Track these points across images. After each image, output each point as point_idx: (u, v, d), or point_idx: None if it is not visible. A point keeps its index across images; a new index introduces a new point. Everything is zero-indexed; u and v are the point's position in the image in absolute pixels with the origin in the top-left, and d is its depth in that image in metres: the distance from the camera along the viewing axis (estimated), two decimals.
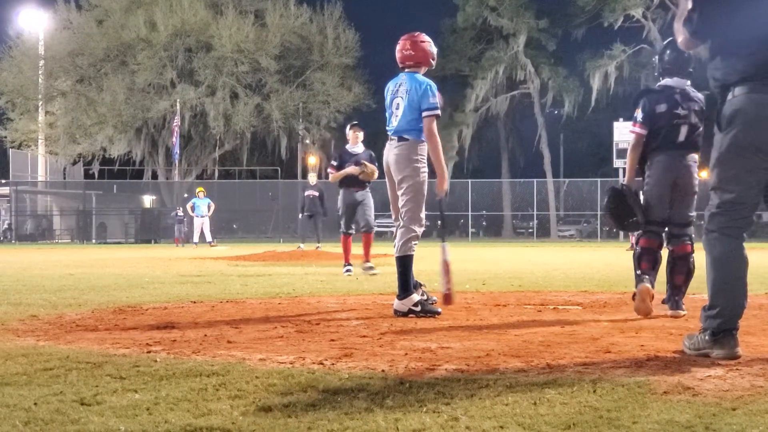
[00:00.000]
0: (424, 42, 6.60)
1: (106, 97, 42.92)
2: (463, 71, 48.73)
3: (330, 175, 11.96)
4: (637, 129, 6.31)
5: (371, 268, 11.41)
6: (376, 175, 11.00)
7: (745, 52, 4.04)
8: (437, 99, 6.42)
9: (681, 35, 4.27)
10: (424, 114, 6.32)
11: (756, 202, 4.11)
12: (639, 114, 6.33)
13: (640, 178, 6.47)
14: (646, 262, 6.29)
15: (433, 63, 6.66)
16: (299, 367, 3.87)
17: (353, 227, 11.97)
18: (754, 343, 4.50)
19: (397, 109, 6.47)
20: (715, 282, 4.08)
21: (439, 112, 6.41)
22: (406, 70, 6.56)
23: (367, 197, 11.94)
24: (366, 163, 11.30)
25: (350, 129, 12.27)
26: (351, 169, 11.45)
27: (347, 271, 11.58)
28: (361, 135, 12.03)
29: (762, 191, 4.10)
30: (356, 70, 48.08)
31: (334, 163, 11.99)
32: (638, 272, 6.30)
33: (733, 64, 4.07)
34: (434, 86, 6.46)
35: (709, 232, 4.14)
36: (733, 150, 4.05)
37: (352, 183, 11.72)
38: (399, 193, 6.43)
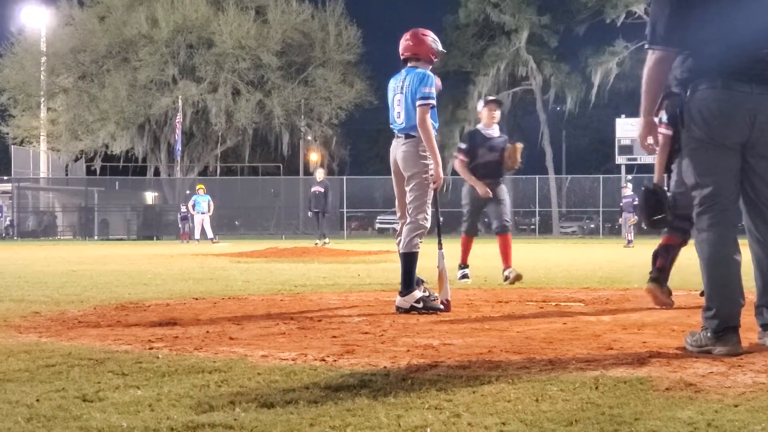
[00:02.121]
0: (426, 36, 6.59)
1: (108, 93, 42.87)
2: (465, 68, 48.68)
3: (457, 163, 9.56)
4: (663, 130, 6.50)
5: (515, 274, 9.10)
6: (519, 162, 9.45)
7: (703, 51, 4.09)
8: (433, 89, 6.40)
9: (649, 58, 4.24)
10: (418, 103, 6.32)
11: (735, 191, 4.15)
12: (663, 115, 6.50)
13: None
14: (662, 259, 6.58)
15: (435, 60, 6.62)
16: (301, 363, 3.87)
17: (479, 228, 10.07)
18: (757, 339, 4.49)
19: (398, 105, 6.47)
20: (708, 284, 4.12)
21: (433, 101, 6.37)
22: (408, 64, 6.56)
23: (503, 192, 9.59)
24: (517, 145, 9.50)
25: (485, 105, 9.67)
26: (478, 187, 9.31)
27: (464, 276, 9.41)
28: (498, 114, 9.62)
29: (737, 182, 4.13)
30: (358, 67, 48.04)
31: (463, 146, 9.61)
32: (651, 271, 6.60)
33: (692, 63, 4.12)
34: (432, 76, 6.44)
35: (699, 231, 4.17)
36: (697, 145, 4.12)
37: (487, 173, 9.41)
38: (407, 189, 6.44)
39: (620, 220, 27.52)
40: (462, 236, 9.75)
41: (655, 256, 6.66)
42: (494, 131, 9.52)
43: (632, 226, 25.69)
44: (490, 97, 10.12)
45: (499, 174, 9.58)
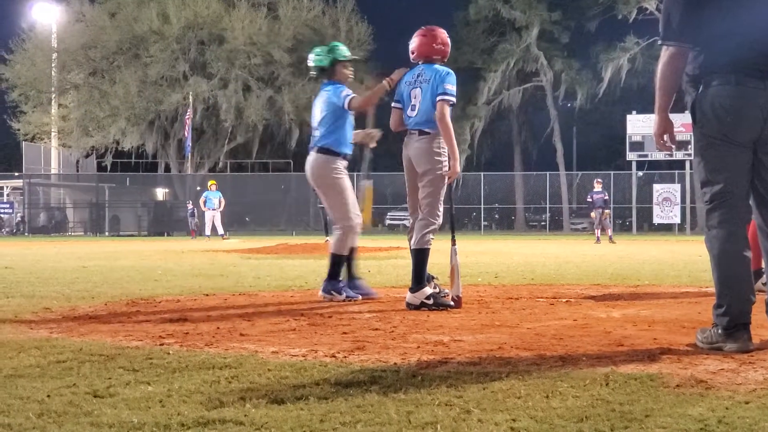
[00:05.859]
0: (425, 36, 6.54)
1: (119, 89, 42.98)
2: (475, 64, 48.56)
3: None
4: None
5: None
6: None
7: (716, 46, 4.07)
8: (455, 87, 6.35)
9: (664, 54, 4.20)
10: (438, 98, 6.27)
11: (745, 188, 4.14)
12: None
13: None
14: None
15: (438, 57, 6.57)
16: (311, 359, 3.87)
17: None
18: None
19: (415, 99, 6.42)
20: (718, 281, 4.10)
21: (453, 99, 6.32)
22: (421, 62, 6.54)
23: None
24: None
25: None
26: None
27: None
28: None
29: (749, 178, 4.12)
30: (368, 64, 48.00)
31: None
32: None
33: (704, 59, 4.11)
34: (453, 75, 6.40)
35: (710, 228, 4.15)
36: (708, 142, 4.12)
37: None
38: (420, 185, 6.42)
39: (592, 215, 27.43)
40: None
41: None
42: None
43: (607, 220, 26.06)
44: None
45: None
